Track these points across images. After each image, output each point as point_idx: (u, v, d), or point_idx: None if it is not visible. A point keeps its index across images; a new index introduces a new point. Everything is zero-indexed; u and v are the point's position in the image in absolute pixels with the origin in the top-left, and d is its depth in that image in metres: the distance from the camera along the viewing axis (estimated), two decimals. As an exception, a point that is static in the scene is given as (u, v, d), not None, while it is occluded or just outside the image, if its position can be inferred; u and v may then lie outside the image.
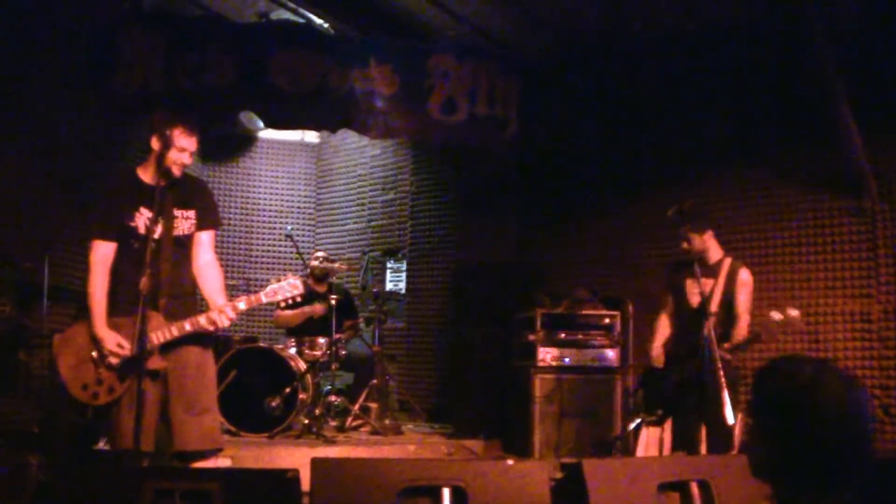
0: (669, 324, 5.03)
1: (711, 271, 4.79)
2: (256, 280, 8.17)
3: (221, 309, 3.61)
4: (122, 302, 3.60)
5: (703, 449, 4.68)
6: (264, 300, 3.70)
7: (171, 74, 5.96)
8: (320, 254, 7.20)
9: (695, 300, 4.73)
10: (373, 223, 8.75)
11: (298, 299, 3.77)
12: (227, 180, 8.92)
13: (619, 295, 6.32)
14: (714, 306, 4.65)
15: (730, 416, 4.17)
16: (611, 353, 5.96)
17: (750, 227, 6.05)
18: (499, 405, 6.51)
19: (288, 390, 5.80)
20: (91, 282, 3.64)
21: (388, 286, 8.40)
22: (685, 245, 4.81)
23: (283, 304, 3.76)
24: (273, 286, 3.72)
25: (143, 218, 3.68)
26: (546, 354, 5.90)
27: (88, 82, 5.91)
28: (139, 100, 5.87)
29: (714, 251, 4.85)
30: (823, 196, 5.81)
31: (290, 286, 3.72)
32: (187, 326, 3.59)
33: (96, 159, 6.27)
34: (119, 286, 3.64)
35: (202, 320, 3.60)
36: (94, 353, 3.56)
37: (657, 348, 4.99)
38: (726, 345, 4.51)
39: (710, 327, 4.44)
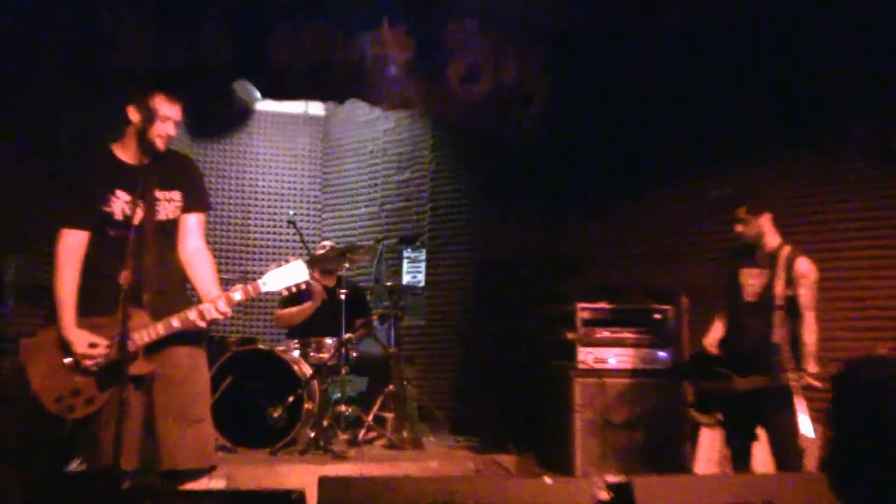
0: (725, 320, 5.03)
1: (767, 261, 4.78)
2: (254, 273, 8.21)
3: (214, 301, 3.57)
4: (100, 299, 3.56)
5: (753, 465, 4.69)
6: (263, 289, 3.64)
7: (164, 56, 5.98)
8: (327, 242, 7.21)
9: (750, 293, 4.77)
10: (387, 207, 8.74)
11: (304, 286, 3.72)
12: (221, 159, 8.93)
13: (672, 287, 6.25)
14: (777, 302, 4.63)
15: (808, 428, 4.12)
16: (663, 354, 5.89)
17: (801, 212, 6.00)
18: (533, 414, 6.46)
19: (291, 399, 5.80)
20: (58, 277, 3.59)
21: (405, 278, 8.39)
22: (739, 228, 4.83)
23: (285, 293, 3.70)
24: (273, 272, 3.67)
25: (119, 202, 3.65)
26: (587, 355, 5.84)
27: (82, 67, 5.98)
28: (131, 84, 5.91)
29: (771, 237, 4.84)
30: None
31: (293, 272, 3.66)
32: (175, 323, 3.55)
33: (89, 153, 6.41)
34: (96, 281, 3.61)
35: (192, 315, 3.55)
36: (68, 360, 3.52)
37: (711, 343, 5.00)
38: (808, 367, 4.44)
39: (776, 326, 4.48)
